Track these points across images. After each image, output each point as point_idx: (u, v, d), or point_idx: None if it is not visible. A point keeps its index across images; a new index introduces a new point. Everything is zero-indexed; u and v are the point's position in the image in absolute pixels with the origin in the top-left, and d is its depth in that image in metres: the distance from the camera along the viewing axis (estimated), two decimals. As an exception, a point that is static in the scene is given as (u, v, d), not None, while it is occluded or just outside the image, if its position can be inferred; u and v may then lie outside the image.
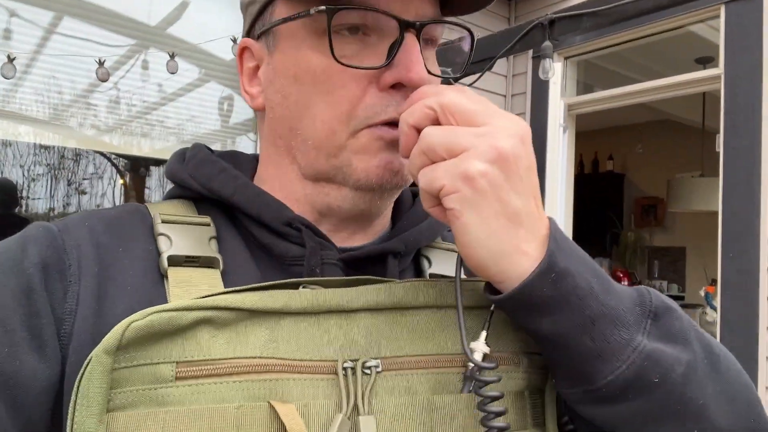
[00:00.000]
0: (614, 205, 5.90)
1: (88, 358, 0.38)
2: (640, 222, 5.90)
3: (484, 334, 0.45)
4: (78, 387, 0.38)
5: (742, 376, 0.47)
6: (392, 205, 0.58)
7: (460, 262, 0.46)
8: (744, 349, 2.33)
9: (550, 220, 0.44)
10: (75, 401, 0.37)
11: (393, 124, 0.49)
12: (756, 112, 2.40)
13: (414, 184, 0.68)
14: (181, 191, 0.55)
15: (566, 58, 3.31)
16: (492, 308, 0.46)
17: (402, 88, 0.48)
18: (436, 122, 0.43)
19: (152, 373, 0.39)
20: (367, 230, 0.56)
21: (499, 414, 0.42)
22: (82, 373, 0.38)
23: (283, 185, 0.54)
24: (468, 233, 0.41)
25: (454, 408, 0.44)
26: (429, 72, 0.50)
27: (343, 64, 0.47)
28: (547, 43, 1.98)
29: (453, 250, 0.59)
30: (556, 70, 2.62)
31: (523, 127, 0.42)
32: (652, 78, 3.01)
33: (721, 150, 2.50)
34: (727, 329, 2.43)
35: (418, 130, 0.44)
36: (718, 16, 2.57)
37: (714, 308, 2.99)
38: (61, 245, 0.46)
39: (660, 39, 2.93)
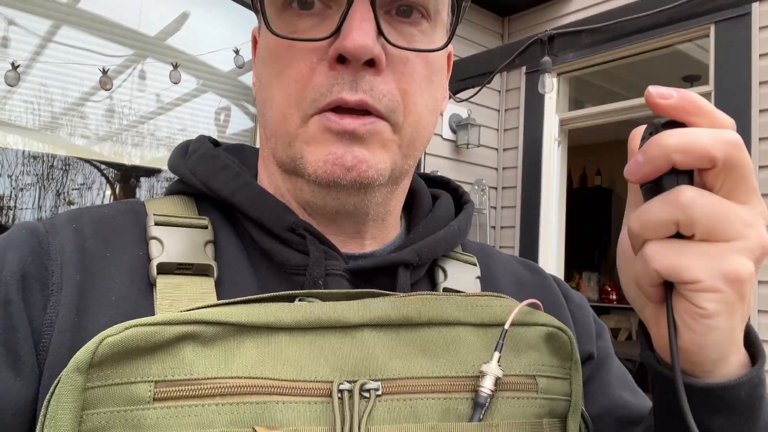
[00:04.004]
0: (602, 220, 5.96)
1: (59, 377, 0.35)
2: (627, 237, 5.96)
3: (497, 355, 0.41)
4: (47, 408, 0.34)
5: None
6: (399, 207, 0.53)
7: (674, 336, 0.36)
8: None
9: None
10: (43, 424, 0.34)
11: (342, 109, 0.43)
12: (745, 127, 2.46)
13: (428, 178, 0.59)
14: (183, 186, 0.51)
15: (559, 74, 3.36)
16: (506, 327, 0.42)
17: (351, 63, 0.42)
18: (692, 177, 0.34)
19: (128, 393, 0.35)
20: (372, 235, 0.51)
21: None
22: (51, 393, 0.34)
23: (271, 180, 0.50)
24: (710, 335, 0.35)
25: None
26: (391, 44, 0.43)
27: (277, 35, 0.42)
28: (547, 59, 2.01)
29: (472, 263, 0.54)
30: (553, 85, 2.66)
31: None
32: (638, 94, 3.07)
33: (712, 165, 2.54)
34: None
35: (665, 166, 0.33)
36: (708, 35, 2.63)
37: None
38: (45, 249, 0.42)
39: (649, 57, 2.99)
